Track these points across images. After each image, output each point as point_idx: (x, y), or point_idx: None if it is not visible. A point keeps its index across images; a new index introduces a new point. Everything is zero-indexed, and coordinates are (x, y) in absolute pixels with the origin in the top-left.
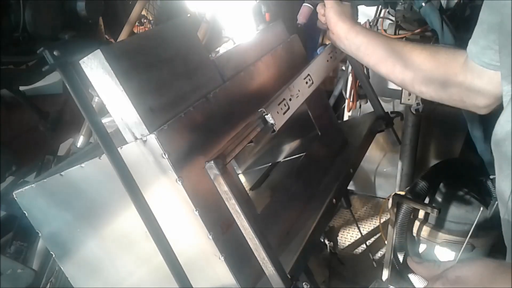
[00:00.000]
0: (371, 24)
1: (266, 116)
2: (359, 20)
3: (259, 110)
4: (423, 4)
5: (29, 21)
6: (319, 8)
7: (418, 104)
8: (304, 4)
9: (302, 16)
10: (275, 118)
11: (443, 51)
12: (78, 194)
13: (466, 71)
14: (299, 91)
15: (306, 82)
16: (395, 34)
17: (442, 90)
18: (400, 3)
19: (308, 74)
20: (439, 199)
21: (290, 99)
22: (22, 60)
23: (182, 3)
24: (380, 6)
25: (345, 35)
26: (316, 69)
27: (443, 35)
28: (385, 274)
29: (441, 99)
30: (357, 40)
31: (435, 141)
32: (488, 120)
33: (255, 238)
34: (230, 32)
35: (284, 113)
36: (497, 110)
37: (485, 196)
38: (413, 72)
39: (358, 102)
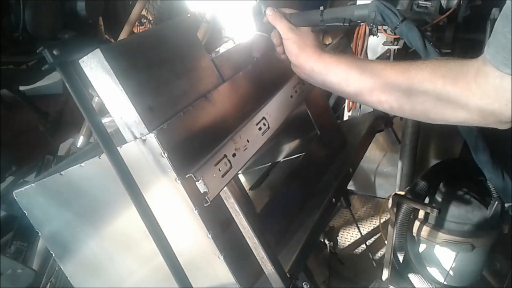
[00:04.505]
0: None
1: (197, 183)
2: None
3: (187, 176)
4: (398, 24)
5: (29, 21)
6: (273, 36)
7: None
8: (256, 32)
9: (257, 50)
10: (209, 184)
11: (444, 67)
12: (78, 193)
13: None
14: (248, 141)
15: (260, 128)
16: (394, 34)
17: (457, 110)
18: (371, 26)
19: (263, 118)
20: (439, 199)
21: (234, 155)
22: (22, 60)
23: (182, 3)
24: None
25: (311, 67)
26: (274, 110)
27: (427, 53)
28: (385, 274)
29: (458, 123)
30: (326, 71)
31: (435, 141)
32: (492, 142)
33: (254, 237)
34: (230, 32)
35: (223, 175)
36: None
37: (485, 196)
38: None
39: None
